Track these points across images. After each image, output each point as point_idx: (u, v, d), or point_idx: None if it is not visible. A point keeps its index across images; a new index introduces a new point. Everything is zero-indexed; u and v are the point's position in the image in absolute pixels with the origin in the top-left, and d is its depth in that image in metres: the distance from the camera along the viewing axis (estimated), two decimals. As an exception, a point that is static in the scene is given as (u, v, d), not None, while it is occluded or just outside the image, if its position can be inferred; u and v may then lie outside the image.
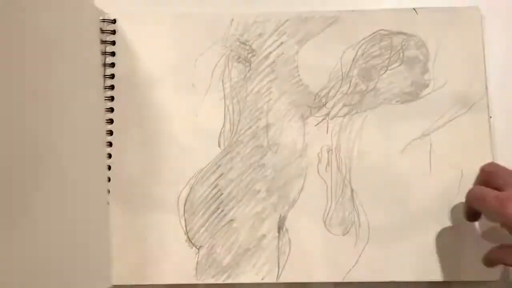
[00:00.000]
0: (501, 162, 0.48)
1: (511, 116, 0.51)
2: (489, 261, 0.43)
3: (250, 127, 0.50)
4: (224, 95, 0.51)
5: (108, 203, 0.49)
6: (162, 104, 0.51)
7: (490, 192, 0.41)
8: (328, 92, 0.51)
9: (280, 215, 0.49)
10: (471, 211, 0.44)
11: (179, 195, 0.49)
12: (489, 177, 0.43)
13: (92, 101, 0.49)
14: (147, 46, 0.52)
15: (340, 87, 0.51)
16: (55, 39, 0.44)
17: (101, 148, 0.50)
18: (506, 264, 0.42)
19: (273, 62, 0.51)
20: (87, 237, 0.46)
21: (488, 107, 0.50)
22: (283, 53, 0.51)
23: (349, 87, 0.51)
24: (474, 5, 0.51)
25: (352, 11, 0.52)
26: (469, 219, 0.46)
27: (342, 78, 0.51)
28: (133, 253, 0.48)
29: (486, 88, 0.50)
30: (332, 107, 0.50)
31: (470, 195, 0.43)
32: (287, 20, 0.52)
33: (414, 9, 0.51)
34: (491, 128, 0.49)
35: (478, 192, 0.42)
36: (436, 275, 0.47)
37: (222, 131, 0.50)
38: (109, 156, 0.50)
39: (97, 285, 0.47)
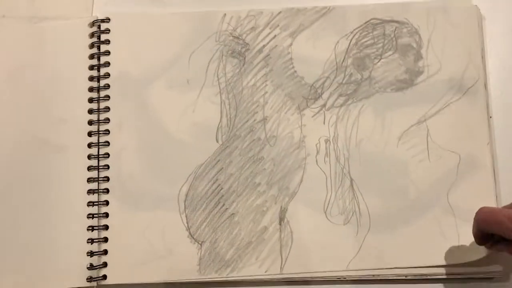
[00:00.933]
0: (501, 159, 0.49)
1: (511, 116, 0.51)
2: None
3: (247, 121, 0.50)
4: (220, 90, 0.51)
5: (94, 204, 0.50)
6: (158, 101, 0.51)
7: (501, 213, 0.38)
8: (324, 83, 0.51)
9: (281, 207, 0.49)
10: (484, 234, 0.42)
11: (179, 192, 0.49)
12: None
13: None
14: (141, 44, 0.52)
15: (335, 78, 0.51)
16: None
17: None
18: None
19: (267, 55, 0.52)
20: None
21: (487, 105, 0.50)
22: (276, 45, 0.52)
23: (344, 77, 0.51)
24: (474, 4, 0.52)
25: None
26: (481, 243, 0.43)
27: (337, 68, 0.51)
28: (135, 251, 0.48)
29: (486, 85, 0.50)
30: (328, 98, 0.51)
31: (480, 219, 0.40)
32: (279, 13, 0.52)
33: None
34: (491, 128, 0.50)
35: (489, 215, 0.39)
36: (438, 260, 0.47)
37: (220, 126, 0.50)
38: (107, 155, 0.50)
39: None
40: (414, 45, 0.51)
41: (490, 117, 0.50)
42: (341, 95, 0.51)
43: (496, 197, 0.48)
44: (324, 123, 0.50)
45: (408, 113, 0.50)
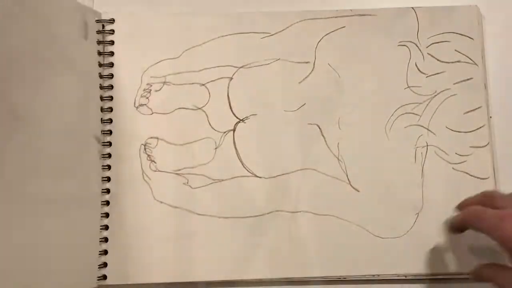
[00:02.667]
0: (501, 163, 0.50)
1: (511, 116, 0.51)
2: (478, 277, 0.43)
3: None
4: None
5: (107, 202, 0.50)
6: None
7: (489, 210, 0.40)
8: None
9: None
10: (460, 227, 0.45)
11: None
12: (487, 198, 0.43)
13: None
14: (145, 45, 0.52)
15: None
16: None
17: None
18: (495, 284, 0.41)
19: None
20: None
21: (488, 108, 0.50)
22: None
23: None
24: (473, 4, 0.52)
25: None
26: (454, 232, 0.47)
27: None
28: (132, 252, 0.48)
29: (486, 85, 0.51)
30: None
31: (467, 213, 0.43)
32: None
33: (413, 8, 0.52)
34: (491, 128, 0.50)
35: (477, 210, 0.41)
36: (435, 268, 0.48)
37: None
38: (109, 155, 0.50)
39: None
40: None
41: (490, 117, 0.51)
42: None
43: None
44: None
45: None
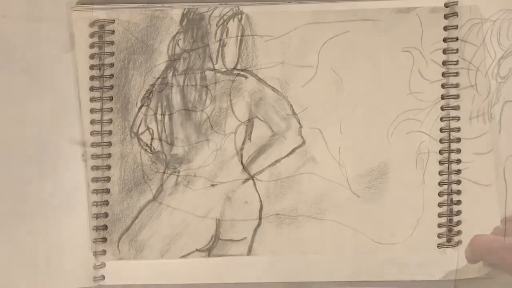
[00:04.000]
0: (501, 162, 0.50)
1: (511, 115, 0.51)
2: None
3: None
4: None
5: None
6: (161, 104, 0.51)
7: (496, 243, 0.41)
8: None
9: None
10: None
11: (179, 194, 0.50)
12: None
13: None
14: (146, 46, 0.52)
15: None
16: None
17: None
18: None
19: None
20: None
21: (489, 107, 0.50)
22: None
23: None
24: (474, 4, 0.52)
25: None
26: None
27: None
28: (131, 252, 0.49)
29: (489, 94, 0.51)
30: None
31: (476, 250, 0.44)
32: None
33: (417, 14, 0.52)
34: (493, 134, 0.50)
35: (484, 245, 0.43)
36: (435, 275, 0.48)
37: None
38: (109, 155, 0.50)
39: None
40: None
41: (491, 117, 0.51)
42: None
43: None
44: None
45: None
